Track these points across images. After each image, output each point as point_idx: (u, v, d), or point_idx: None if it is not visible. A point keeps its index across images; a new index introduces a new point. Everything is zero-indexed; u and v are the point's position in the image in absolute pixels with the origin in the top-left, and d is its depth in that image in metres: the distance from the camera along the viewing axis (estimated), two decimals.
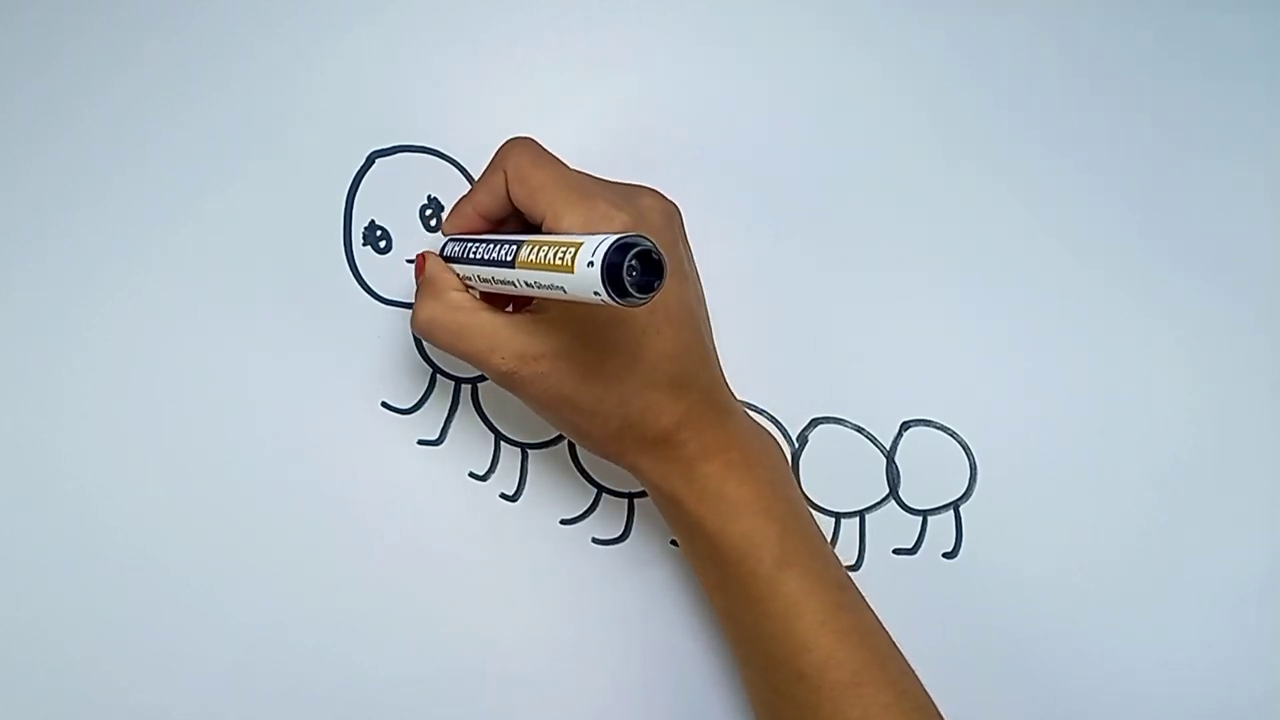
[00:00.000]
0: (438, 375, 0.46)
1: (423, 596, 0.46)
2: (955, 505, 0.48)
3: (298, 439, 0.46)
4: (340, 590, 0.46)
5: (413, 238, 0.46)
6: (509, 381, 0.38)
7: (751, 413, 0.47)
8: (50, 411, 0.45)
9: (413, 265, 0.46)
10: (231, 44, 0.45)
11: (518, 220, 0.41)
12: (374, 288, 0.46)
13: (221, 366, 0.46)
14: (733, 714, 0.47)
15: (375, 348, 0.46)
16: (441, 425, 0.47)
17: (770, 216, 0.47)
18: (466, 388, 0.47)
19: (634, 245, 0.32)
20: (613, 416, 0.38)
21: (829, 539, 0.47)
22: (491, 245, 0.38)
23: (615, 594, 0.47)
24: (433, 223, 0.46)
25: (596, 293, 0.32)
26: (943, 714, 0.41)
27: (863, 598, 0.42)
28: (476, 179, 0.41)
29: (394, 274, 0.46)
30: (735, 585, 0.40)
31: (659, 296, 0.33)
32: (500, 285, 0.38)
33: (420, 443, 0.47)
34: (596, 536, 0.47)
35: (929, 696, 0.41)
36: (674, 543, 0.47)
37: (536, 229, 0.39)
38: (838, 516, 0.48)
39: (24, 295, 0.45)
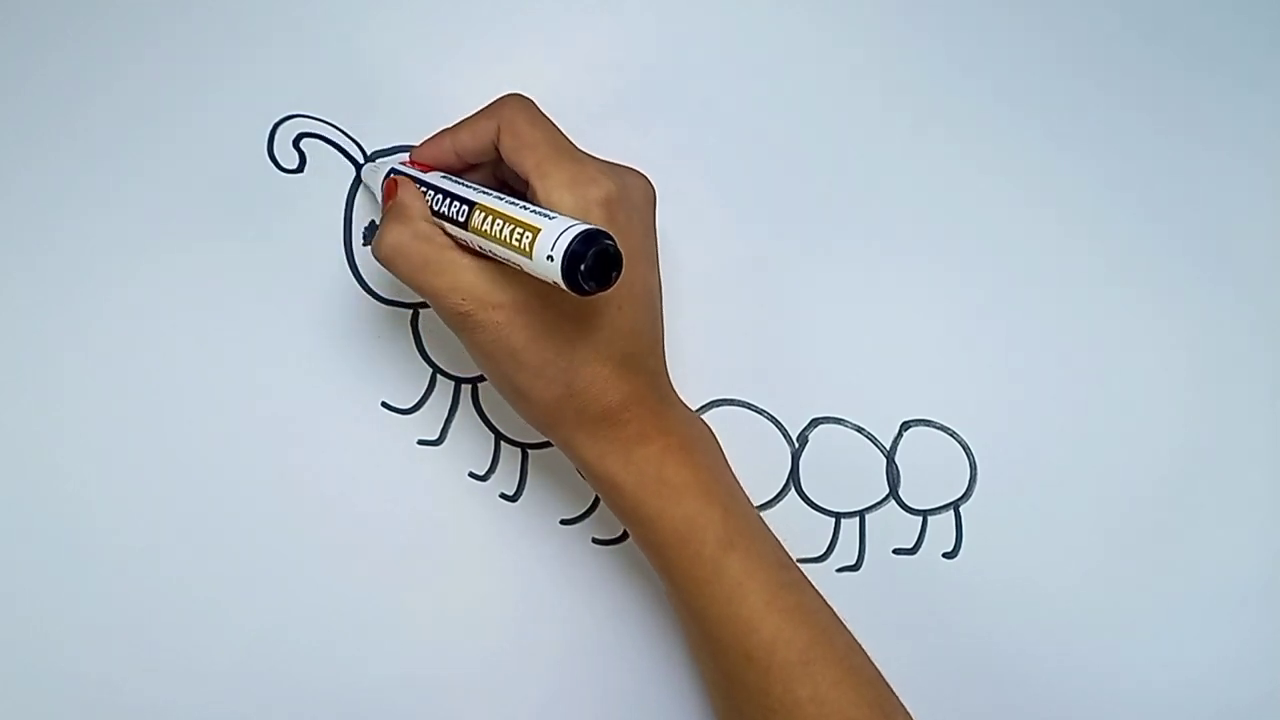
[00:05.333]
0: (438, 375, 0.46)
1: (422, 596, 0.46)
2: (955, 505, 0.48)
3: (298, 439, 0.46)
4: (340, 590, 0.46)
5: None
6: (461, 323, 0.38)
7: (752, 413, 0.47)
8: (49, 412, 0.45)
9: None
10: (234, 45, 0.45)
11: (489, 172, 0.41)
12: (374, 288, 0.46)
13: (221, 366, 0.46)
14: None
15: (375, 348, 0.46)
16: (441, 425, 0.47)
17: (769, 215, 0.47)
18: (466, 388, 0.47)
19: (594, 242, 0.33)
20: (556, 382, 0.38)
21: (829, 539, 0.47)
22: (444, 199, 0.38)
23: (615, 594, 0.47)
24: None
25: (554, 282, 0.33)
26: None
27: (806, 578, 0.42)
28: (462, 120, 0.41)
29: None
30: (679, 569, 0.40)
31: (625, 275, 0.34)
32: (455, 234, 0.38)
33: (420, 443, 0.47)
34: (596, 536, 0.47)
35: (877, 670, 0.41)
36: None
37: (504, 183, 0.40)
38: (838, 516, 0.48)
39: (24, 296, 0.45)
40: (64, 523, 0.45)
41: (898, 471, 0.48)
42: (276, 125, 0.45)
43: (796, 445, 0.48)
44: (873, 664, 0.41)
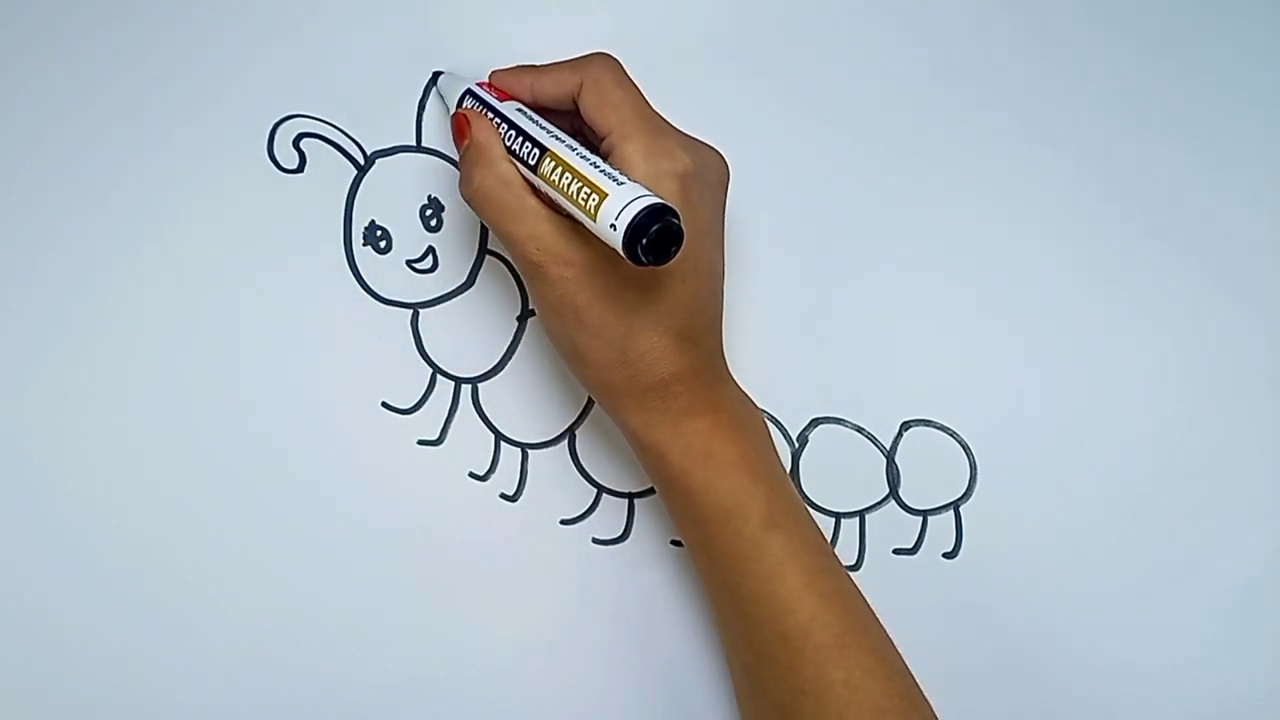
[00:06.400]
0: (438, 375, 0.46)
1: (422, 597, 0.46)
2: (955, 505, 0.48)
3: (298, 439, 0.46)
4: (340, 590, 0.46)
5: (413, 238, 0.46)
6: (534, 272, 0.38)
7: None
8: (52, 412, 0.45)
9: (414, 263, 0.46)
10: (233, 45, 0.45)
11: (567, 120, 0.41)
12: (374, 288, 0.46)
13: (221, 366, 0.46)
14: (731, 713, 0.47)
15: (375, 348, 0.46)
16: (441, 425, 0.47)
17: (769, 216, 0.47)
18: (466, 388, 0.47)
19: (658, 217, 0.32)
20: (612, 346, 0.38)
21: (829, 539, 0.47)
22: (518, 136, 0.38)
23: (615, 594, 0.47)
24: (433, 223, 0.46)
25: (613, 248, 0.33)
26: (927, 696, 0.41)
27: (843, 565, 0.42)
28: (547, 64, 0.41)
29: (394, 274, 0.46)
30: (719, 545, 0.40)
31: (692, 251, 0.34)
32: (525, 174, 0.38)
33: (420, 443, 0.47)
34: (596, 536, 0.47)
35: (905, 663, 0.41)
36: (675, 543, 0.47)
37: (578, 131, 0.39)
38: (838, 516, 0.48)
39: (25, 296, 0.45)
40: (64, 521, 0.45)
41: (898, 471, 0.48)
42: (276, 125, 0.45)
43: (796, 445, 0.48)
44: (901, 657, 0.41)
